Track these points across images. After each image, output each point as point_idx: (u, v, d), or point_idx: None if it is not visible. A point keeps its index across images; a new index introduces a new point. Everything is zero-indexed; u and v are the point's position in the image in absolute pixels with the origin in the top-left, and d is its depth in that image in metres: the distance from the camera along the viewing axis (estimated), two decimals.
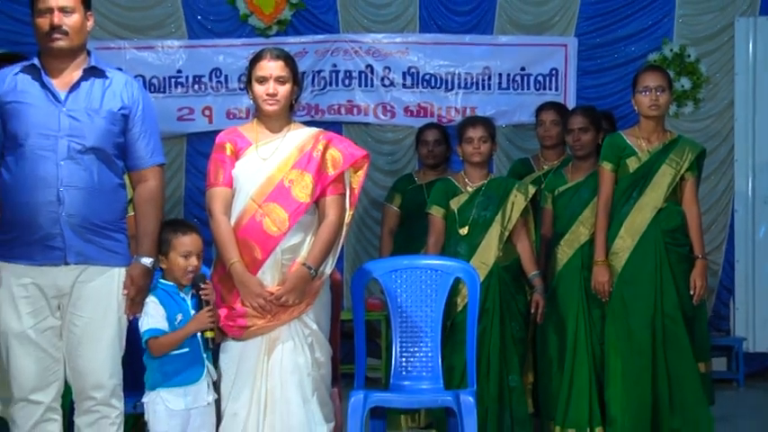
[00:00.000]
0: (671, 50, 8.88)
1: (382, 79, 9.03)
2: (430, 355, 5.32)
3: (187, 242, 4.69)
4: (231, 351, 4.75)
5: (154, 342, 4.59)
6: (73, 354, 4.42)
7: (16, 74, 4.43)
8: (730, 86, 8.85)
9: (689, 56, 8.89)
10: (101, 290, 4.42)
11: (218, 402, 4.74)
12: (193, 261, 4.69)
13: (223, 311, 4.70)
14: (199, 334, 4.63)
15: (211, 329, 4.60)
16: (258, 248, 4.65)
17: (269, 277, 4.68)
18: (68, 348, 4.43)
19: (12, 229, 4.38)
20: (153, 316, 4.60)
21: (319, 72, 8.97)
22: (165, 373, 4.62)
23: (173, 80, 9.03)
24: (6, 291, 4.37)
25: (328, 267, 4.77)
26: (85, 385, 4.42)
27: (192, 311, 4.66)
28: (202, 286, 4.63)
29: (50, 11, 4.33)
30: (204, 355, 4.67)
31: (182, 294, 4.70)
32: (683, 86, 8.80)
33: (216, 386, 4.74)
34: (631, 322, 5.87)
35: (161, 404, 4.61)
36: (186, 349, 4.62)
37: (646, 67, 7.13)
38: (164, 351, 4.60)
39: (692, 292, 5.94)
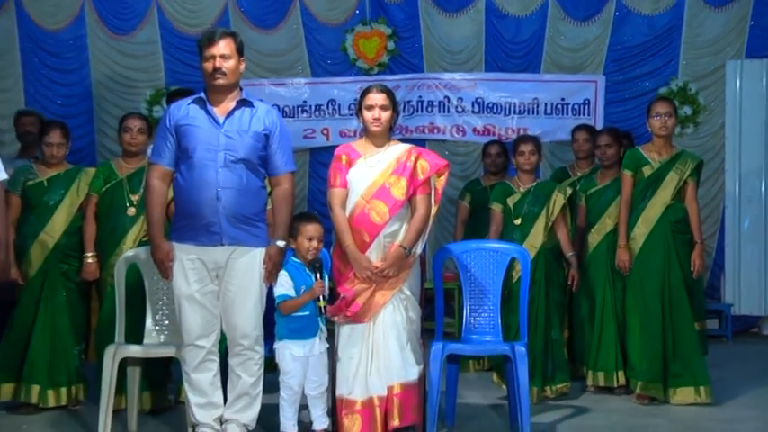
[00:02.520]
0: (676, 85, 8.80)
1: (456, 107, 9.02)
2: (492, 315, 5.26)
3: (311, 229, 4.74)
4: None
5: (282, 304, 4.66)
6: (227, 311, 4.48)
7: (189, 104, 4.52)
8: (722, 113, 8.72)
9: (690, 89, 8.80)
10: (247, 264, 4.47)
11: (329, 352, 4.79)
12: (315, 243, 4.74)
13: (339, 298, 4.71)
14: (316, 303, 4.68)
15: (323, 298, 4.63)
16: (366, 234, 4.66)
17: (374, 255, 4.68)
18: (223, 307, 4.49)
19: (183, 218, 4.46)
20: (283, 285, 4.66)
21: (408, 102, 8.97)
22: (290, 329, 4.69)
23: (299, 108, 9.10)
24: (179, 264, 4.46)
25: (419, 249, 4.75)
26: (236, 335, 4.48)
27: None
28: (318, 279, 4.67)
29: (214, 57, 4.42)
30: (318, 318, 4.71)
31: (307, 270, 4.73)
32: (685, 113, 8.70)
33: (330, 341, 4.78)
34: (646, 292, 5.79)
35: (287, 351, 4.67)
36: (307, 313, 4.68)
37: (657, 98, 7.00)
38: (289, 311, 4.66)
39: (692, 269, 5.86)
